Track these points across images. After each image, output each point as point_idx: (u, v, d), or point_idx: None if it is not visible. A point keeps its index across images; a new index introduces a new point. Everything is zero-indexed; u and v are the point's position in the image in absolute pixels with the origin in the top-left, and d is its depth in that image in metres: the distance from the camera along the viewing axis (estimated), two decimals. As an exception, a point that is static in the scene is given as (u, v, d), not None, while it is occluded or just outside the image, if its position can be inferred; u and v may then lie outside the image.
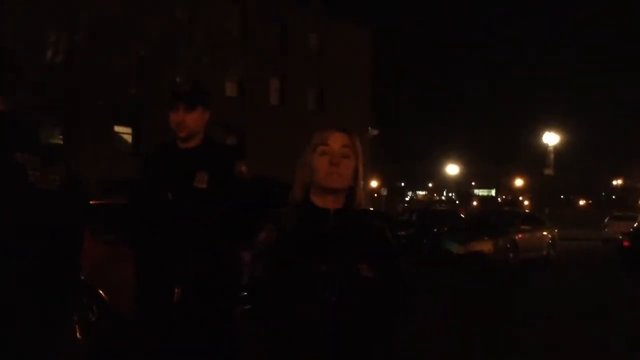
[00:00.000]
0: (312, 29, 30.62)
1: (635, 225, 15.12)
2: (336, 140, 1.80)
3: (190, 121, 2.91)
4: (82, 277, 5.32)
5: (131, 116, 21.32)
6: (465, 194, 78.37)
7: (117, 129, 21.71)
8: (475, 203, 70.23)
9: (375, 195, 42.13)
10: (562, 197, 68.11)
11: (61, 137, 20.76)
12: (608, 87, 65.20)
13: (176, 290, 2.82)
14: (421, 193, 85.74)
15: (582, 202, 73.90)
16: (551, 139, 29.20)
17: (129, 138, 22.10)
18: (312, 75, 30.39)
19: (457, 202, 74.16)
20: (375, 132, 34.44)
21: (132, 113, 21.25)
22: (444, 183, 73.70)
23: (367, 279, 1.70)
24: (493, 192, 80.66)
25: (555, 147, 29.60)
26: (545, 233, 15.96)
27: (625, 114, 60.46)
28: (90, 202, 6.41)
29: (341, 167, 1.76)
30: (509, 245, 13.66)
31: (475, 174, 66.64)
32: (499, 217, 15.80)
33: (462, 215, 21.73)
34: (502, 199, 73.50)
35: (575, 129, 42.57)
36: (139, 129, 21.75)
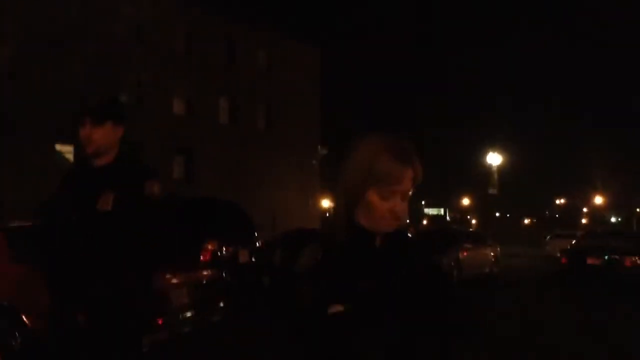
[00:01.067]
0: (260, 46, 30.65)
1: (572, 243, 15.58)
2: (409, 182, 1.47)
3: (98, 137, 2.77)
4: (4, 302, 5.12)
5: (74, 134, 20.71)
6: (415, 213, 79.49)
7: (59, 147, 21.05)
8: (425, 222, 71.26)
9: (327, 215, 42.15)
10: (507, 215, 69.93)
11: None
12: (548, 106, 67.83)
13: (80, 315, 2.68)
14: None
15: (527, 221, 76.04)
16: (494, 159, 29.97)
17: (70, 157, 21.45)
18: (261, 94, 30.36)
19: (408, 221, 74.83)
20: (324, 151, 34.63)
21: (75, 131, 20.65)
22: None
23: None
24: (442, 211, 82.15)
25: (499, 167, 30.38)
26: (488, 251, 16.31)
27: (567, 136, 62.83)
28: (15, 224, 6.18)
29: (404, 212, 1.49)
30: (453, 264, 13.82)
31: (425, 193, 67.69)
32: (443, 236, 16.00)
33: (409, 235, 21.89)
34: (451, 217, 74.85)
35: (519, 149, 43.91)
36: (80, 147, 21.14)
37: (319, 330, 1.44)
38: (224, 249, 8.61)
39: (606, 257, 12.61)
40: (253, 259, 9.06)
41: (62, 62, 20.04)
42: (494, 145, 31.00)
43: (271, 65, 31.44)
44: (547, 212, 73.74)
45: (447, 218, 76.00)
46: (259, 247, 9.45)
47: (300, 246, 1.54)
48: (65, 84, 20.28)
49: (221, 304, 6.97)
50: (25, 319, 5.15)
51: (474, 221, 60.96)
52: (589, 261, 12.81)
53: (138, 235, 2.70)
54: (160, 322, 5.89)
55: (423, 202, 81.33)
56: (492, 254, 16.47)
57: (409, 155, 1.47)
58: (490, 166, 30.37)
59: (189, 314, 6.28)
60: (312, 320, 1.44)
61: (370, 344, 1.44)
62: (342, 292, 1.44)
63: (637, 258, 12.32)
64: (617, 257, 12.48)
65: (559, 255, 14.63)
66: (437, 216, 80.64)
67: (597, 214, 56.39)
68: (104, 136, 2.77)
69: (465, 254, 14.65)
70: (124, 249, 2.68)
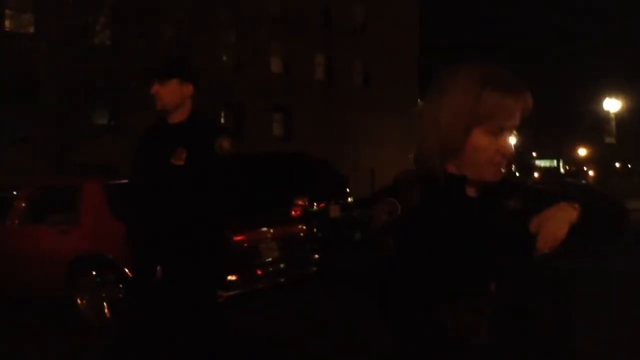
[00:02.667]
0: (356, 2, 30.08)
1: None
2: (519, 116, 1.30)
3: (165, 94, 2.83)
4: (110, 255, 5.49)
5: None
6: (525, 166, 76.10)
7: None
8: (536, 175, 68.13)
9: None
10: (629, 166, 65.13)
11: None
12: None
13: (158, 268, 2.78)
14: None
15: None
16: (612, 105, 27.80)
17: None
18: (358, 50, 29.94)
19: (517, 174, 72.12)
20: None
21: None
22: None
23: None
24: (555, 163, 78.03)
25: (617, 114, 28.17)
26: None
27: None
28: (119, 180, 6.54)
29: (513, 153, 1.31)
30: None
31: (536, 143, 64.43)
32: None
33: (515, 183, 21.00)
34: (565, 169, 70.99)
35: (638, 94, 40.35)
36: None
37: (404, 283, 1.30)
38: (315, 204, 8.69)
39: None
40: (345, 215, 9.07)
41: (155, 29, 20.76)
42: (612, 90, 28.72)
43: (367, 20, 30.85)
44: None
45: (561, 170, 72.13)
46: (350, 202, 9.44)
47: (374, 201, 1.38)
48: (161, 51, 21.07)
49: (313, 258, 7.07)
50: (127, 272, 5.48)
51: (591, 173, 57.41)
52: None
53: (210, 189, 2.74)
54: (259, 272, 6.10)
55: (534, 154, 77.53)
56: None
57: (516, 83, 1.29)
58: (607, 113, 28.25)
59: (281, 266, 6.42)
60: (396, 274, 1.31)
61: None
62: (425, 248, 1.29)
63: None
64: None
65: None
66: (550, 168, 76.74)
67: None
68: (170, 93, 2.82)
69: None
70: (197, 203, 2.73)
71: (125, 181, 6.47)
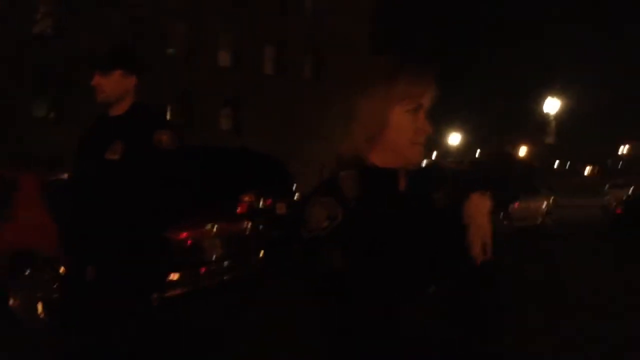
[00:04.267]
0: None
1: (630, 192, 14.87)
2: (430, 98, 1.39)
3: (106, 85, 2.70)
4: (45, 253, 5.27)
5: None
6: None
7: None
8: (479, 172, 69.78)
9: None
10: (568, 164, 67.68)
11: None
12: (611, 51, 64.13)
13: (89, 268, 2.68)
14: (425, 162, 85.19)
15: (588, 170, 73.46)
16: (552, 106, 28.77)
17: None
18: (309, 43, 29.91)
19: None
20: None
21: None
22: (448, 152, 73.26)
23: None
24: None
25: (557, 115, 29.18)
26: (541, 201, 15.84)
27: (631, 81, 59.52)
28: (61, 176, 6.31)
29: (430, 130, 1.39)
30: (502, 214, 13.49)
31: (480, 142, 66.11)
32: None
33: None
34: (507, 167, 72.93)
35: (577, 96, 41.94)
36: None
37: (357, 293, 1.27)
38: (262, 201, 8.62)
39: (665, 207, 11.98)
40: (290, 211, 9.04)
41: (107, 18, 20.23)
42: (552, 90, 29.71)
43: (319, 13, 30.84)
44: (609, 161, 70.97)
45: (504, 168, 74.15)
46: (297, 199, 9.42)
47: (306, 203, 1.35)
48: (111, 40, 20.53)
49: (258, 255, 7.02)
50: (62, 271, 5.29)
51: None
52: (647, 212, 12.22)
53: (147, 185, 2.64)
54: (203, 270, 6.00)
55: (478, 151, 79.58)
56: (544, 204, 15.99)
57: (426, 69, 1.39)
58: (547, 114, 29.22)
59: (225, 264, 6.33)
60: (348, 284, 1.27)
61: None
62: (374, 250, 1.28)
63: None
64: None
65: (613, 205, 14.04)
66: (493, 166, 78.71)
67: (664, 163, 53.73)
68: (111, 85, 2.70)
69: (516, 205, 14.28)
70: (133, 200, 2.64)
71: (65, 175, 6.29)
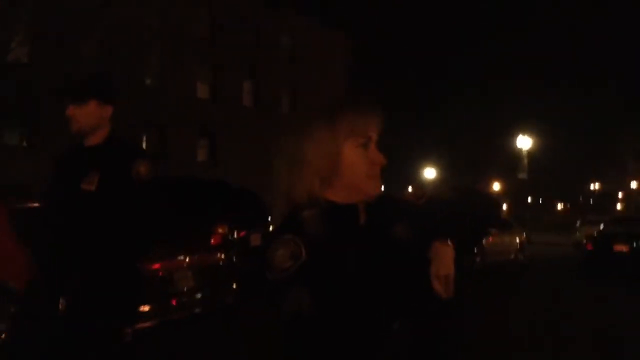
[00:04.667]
0: (284, 30, 30.47)
1: (600, 228, 15.11)
2: (377, 129, 1.39)
3: (80, 116, 2.66)
4: (13, 285, 5.14)
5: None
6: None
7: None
8: (454, 207, 70.34)
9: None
10: (540, 201, 68.70)
11: None
12: (582, 93, 65.98)
13: (61, 301, 2.61)
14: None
15: (560, 207, 74.58)
16: (525, 142, 29.35)
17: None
18: (286, 78, 30.22)
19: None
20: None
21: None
22: (423, 187, 73.82)
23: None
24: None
25: (530, 151, 29.74)
26: (513, 237, 15.98)
27: (600, 120, 61.17)
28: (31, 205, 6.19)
29: (384, 162, 1.39)
30: (476, 250, 13.57)
31: (454, 178, 66.90)
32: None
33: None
34: (481, 203, 73.71)
35: (551, 132, 42.92)
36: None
37: (324, 335, 1.26)
38: (236, 232, 8.56)
39: (634, 244, 12.18)
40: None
41: (79, 47, 20.22)
42: (524, 128, 30.34)
43: (296, 50, 31.27)
44: (581, 198, 72.21)
45: (478, 203, 74.90)
46: (271, 231, 9.37)
47: (269, 243, 1.33)
48: (84, 69, 20.47)
49: (232, 287, 6.92)
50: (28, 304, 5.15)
51: (505, 206, 60.06)
52: (616, 248, 12.40)
53: (122, 217, 2.60)
54: (173, 302, 5.89)
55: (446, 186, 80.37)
56: (517, 240, 16.14)
57: (367, 100, 1.40)
58: (520, 150, 29.77)
59: (198, 296, 6.23)
60: (314, 326, 1.26)
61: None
62: (337, 291, 1.27)
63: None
64: (645, 243, 12.05)
65: (584, 241, 14.24)
66: (468, 201, 79.48)
67: (633, 199, 54.89)
68: (86, 115, 2.65)
69: (489, 239, 14.39)
70: (111, 231, 2.60)
71: (36, 205, 6.18)
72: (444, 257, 1.35)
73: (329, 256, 1.29)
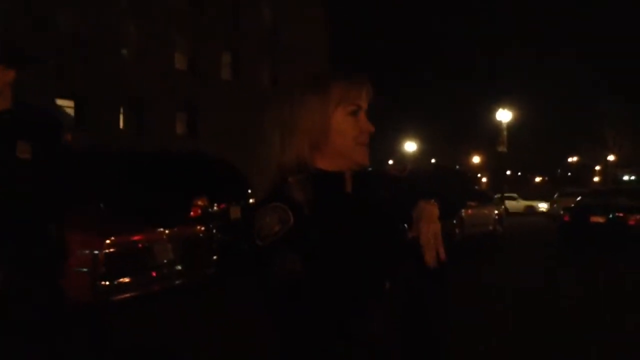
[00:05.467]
0: (265, 2, 30.03)
1: (577, 200, 15.33)
2: (366, 99, 1.41)
3: None
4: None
5: (74, 90, 20.64)
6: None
7: (59, 101, 20.95)
8: (435, 180, 70.78)
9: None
10: (519, 174, 69.50)
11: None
12: (562, 64, 66.29)
13: None
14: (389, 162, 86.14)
15: (538, 179, 75.55)
16: (504, 116, 29.52)
17: (71, 111, 21.36)
18: (266, 50, 29.87)
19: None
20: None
21: (75, 87, 20.56)
22: (403, 160, 74.21)
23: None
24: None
25: (509, 125, 29.95)
26: (492, 209, 16.19)
27: (579, 93, 61.64)
28: None
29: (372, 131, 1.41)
30: (455, 221, 13.72)
31: (434, 151, 67.26)
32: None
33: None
34: (461, 176, 74.37)
35: (530, 105, 43.20)
36: (82, 101, 21.06)
37: (316, 297, 1.26)
38: (215, 205, 8.53)
39: (610, 215, 12.39)
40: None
41: (59, 15, 19.75)
42: (504, 102, 30.49)
43: (276, 22, 30.88)
44: (559, 171, 73.16)
45: (458, 176, 75.55)
46: (251, 203, 9.35)
47: (256, 212, 1.32)
48: (65, 38, 20.04)
49: (212, 260, 6.91)
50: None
51: (484, 179, 60.68)
52: (592, 219, 12.61)
53: (51, 185, 2.59)
54: (153, 274, 5.87)
55: (433, 160, 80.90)
56: (495, 212, 16.36)
57: (357, 71, 1.42)
58: (499, 123, 29.95)
59: (177, 268, 6.21)
60: (307, 287, 1.25)
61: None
62: (327, 254, 1.27)
63: (641, 216, 12.10)
64: (621, 215, 12.27)
65: (561, 213, 14.46)
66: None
67: (610, 173, 55.81)
68: None
69: (468, 212, 14.56)
70: (44, 200, 2.56)
71: None
72: (430, 215, 1.39)
73: (316, 222, 1.30)
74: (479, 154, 61.56)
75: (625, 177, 62.54)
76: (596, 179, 58.94)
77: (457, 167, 40.36)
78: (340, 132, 1.37)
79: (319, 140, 1.37)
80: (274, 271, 1.27)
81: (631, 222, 12.10)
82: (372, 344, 1.30)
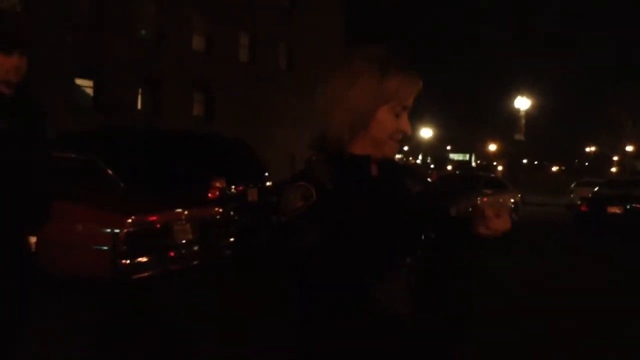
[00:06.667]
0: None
1: (595, 190, 15.18)
2: (413, 100, 1.43)
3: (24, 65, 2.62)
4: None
5: (92, 69, 20.71)
6: (440, 158, 78.77)
7: (79, 81, 21.04)
8: (450, 167, 70.65)
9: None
10: (535, 162, 68.92)
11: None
12: (582, 54, 65.28)
13: None
14: (397, 156, 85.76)
15: (555, 168, 74.88)
16: (522, 103, 29.21)
17: (90, 91, 21.46)
18: (283, 33, 29.70)
19: (432, 166, 74.66)
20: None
21: (93, 66, 20.62)
22: (419, 147, 73.94)
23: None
24: (468, 157, 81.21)
25: (527, 112, 29.64)
26: (508, 197, 16.10)
27: (599, 82, 60.73)
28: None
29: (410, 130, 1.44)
30: (470, 209, 13.69)
31: (450, 138, 66.93)
32: (462, 181, 15.81)
33: (429, 180, 21.76)
34: (477, 163, 74.11)
35: (548, 94, 42.71)
36: (100, 81, 21.14)
37: (333, 271, 1.28)
38: (233, 187, 8.58)
39: (627, 206, 12.27)
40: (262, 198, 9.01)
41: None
42: (522, 89, 30.15)
43: (293, 4, 30.66)
44: (576, 160, 72.40)
45: (473, 164, 75.18)
46: (268, 186, 9.38)
47: (281, 190, 1.38)
48: (82, 18, 20.09)
49: (229, 241, 6.97)
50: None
51: (500, 167, 60.29)
52: (609, 210, 12.50)
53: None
54: (171, 254, 5.93)
55: (449, 147, 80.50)
56: (512, 200, 16.27)
57: (412, 67, 1.41)
58: (517, 110, 29.65)
59: (195, 248, 6.27)
60: (324, 262, 1.29)
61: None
62: (349, 231, 1.30)
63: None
64: (638, 206, 12.14)
65: (578, 203, 14.34)
66: (463, 162, 79.86)
67: (628, 163, 55.13)
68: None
69: (484, 200, 14.49)
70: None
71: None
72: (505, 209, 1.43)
73: (339, 199, 1.33)
74: (495, 141, 61.06)
75: (644, 168, 61.74)
76: (614, 169, 58.25)
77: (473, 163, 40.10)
78: (380, 123, 1.39)
79: (359, 124, 1.39)
80: (292, 241, 1.32)
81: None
82: (387, 314, 1.32)
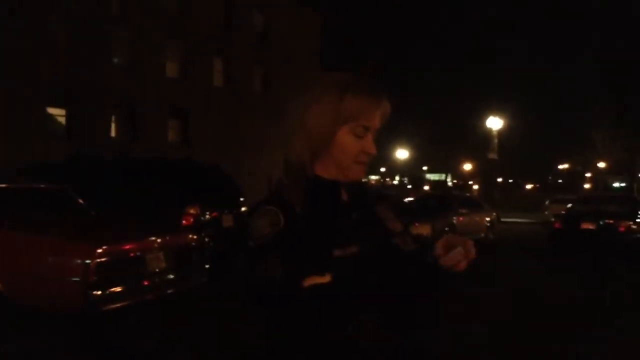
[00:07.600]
0: (257, 7, 30.06)
1: (568, 207, 15.39)
2: (381, 119, 1.40)
3: None
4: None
5: (66, 96, 20.54)
6: (417, 179, 79.35)
7: (50, 110, 20.83)
8: (426, 187, 71.13)
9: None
10: (510, 181, 69.79)
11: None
12: (552, 73, 66.85)
13: None
14: (374, 177, 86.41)
15: (529, 186, 75.91)
16: (495, 123, 29.65)
17: (62, 120, 21.24)
18: (258, 57, 29.88)
19: (409, 186, 75.13)
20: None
21: (67, 93, 20.46)
22: (395, 167, 74.43)
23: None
24: (444, 177, 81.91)
25: (500, 132, 30.07)
26: (483, 216, 16.26)
27: (570, 100, 62.10)
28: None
29: (374, 152, 1.39)
30: (447, 229, 13.77)
31: (426, 158, 67.48)
32: (438, 201, 15.94)
33: (405, 200, 21.88)
34: (453, 183, 74.77)
35: (520, 113, 43.45)
36: (73, 109, 20.94)
37: (295, 304, 1.26)
38: (207, 213, 8.51)
39: (600, 222, 12.45)
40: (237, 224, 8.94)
41: (50, 24, 19.69)
42: (495, 109, 30.62)
43: (269, 29, 30.91)
44: (550, 178, 73.53)
45: (449, 183, 75.86)
46: (244, 211, 9.33)
47: (250, 214, 1.35)
48: (56, 46, 19.97)
49: (204, 268, 6.87)
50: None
51: (475, 187, 60.86)
52: (583, 226, 12.67)
53: None
54: (145, 283, 5.82)
55: (425, 168, 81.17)
56: (487, 219, 16.43)
57: (375, 90, 1.38)
58: (490, 130, 30.06)
59: (169, 277, 6.17)
60: (285, 294, 1.26)
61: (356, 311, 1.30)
62: (317, 260, 1.27)
63: (631, 223, 12.17)
64: (611, 221, 12.33)
65: (552, 220, 14.50)
66: (439, 181, 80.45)
67: (600, 179, 56.09)
68: None
69: (460, 219, 14.62)
70: None
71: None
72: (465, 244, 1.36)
73: (307, 225, 1.31)
74: (470, 161, 61.75)
75: (616, 184, 62.97)
76: (587, 185, 59.23)
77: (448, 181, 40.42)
78: (341, 146, 1.36)
79: (320, 147, 1.37)
80: (256, 270, 1.29)
81: (621, 229, 12.17)
82: (353, 346, 1.29)
